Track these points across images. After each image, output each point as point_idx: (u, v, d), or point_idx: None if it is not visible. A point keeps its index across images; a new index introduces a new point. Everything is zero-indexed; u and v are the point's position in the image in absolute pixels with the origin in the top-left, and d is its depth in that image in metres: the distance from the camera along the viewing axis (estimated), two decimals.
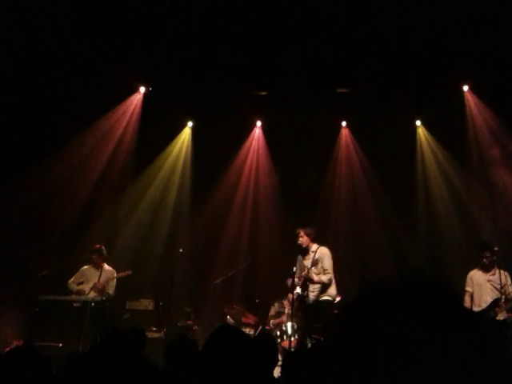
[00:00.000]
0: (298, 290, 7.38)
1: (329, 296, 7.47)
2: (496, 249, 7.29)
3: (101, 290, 8.16)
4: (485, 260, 7.19)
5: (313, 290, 7.40)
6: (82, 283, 8.27)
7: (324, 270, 7.43)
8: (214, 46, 8.64)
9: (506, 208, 9.27)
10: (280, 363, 5.98)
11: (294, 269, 7.44)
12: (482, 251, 7.29)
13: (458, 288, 7.30)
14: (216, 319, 8.22)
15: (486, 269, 7.23)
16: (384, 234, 9.88)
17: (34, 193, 9.19)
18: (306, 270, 7.36)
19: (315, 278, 7.41)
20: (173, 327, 8.36)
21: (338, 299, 8.05)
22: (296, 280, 7.53)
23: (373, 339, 0.78)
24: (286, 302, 7.87)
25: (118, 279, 8.44)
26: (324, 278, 7.42)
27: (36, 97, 8.66)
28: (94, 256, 8.36)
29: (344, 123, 10.72)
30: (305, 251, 7.62)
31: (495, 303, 7.02)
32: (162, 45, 8.50)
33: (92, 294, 8.14)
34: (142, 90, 10.17)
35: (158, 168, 10.67)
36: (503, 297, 7.01)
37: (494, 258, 7.20)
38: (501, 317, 6.90)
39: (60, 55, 8.50)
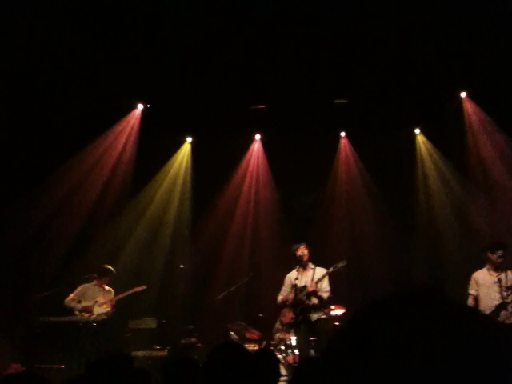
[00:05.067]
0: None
1: (326, 315, 7.49)
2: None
3: (113, 305, 8.15)
4: (501, 259, 6.92)
5: (314, 306, 7.37)
6: (79, 302, 8.18)
7: (323, 288, 7.47)
8: (210, 60, 8.66)
9: (508, 218, 9.17)
10: (284, 378, 5.91)
11: (297, 283, 7.40)
12: (496, 249, 7.00)
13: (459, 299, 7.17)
14: (220, 335, 8.11)
15: (496, 269, 6.95)
16: (386, 246, 9.78)
17: (34, 214, 9.15)
18: (314, 284, 7.33)
19: (320, 293, 7.41)
20: (176, 345, 8.25)
21: (342, 311, 7.98)
22: (284, 298, 7.58)
23: (373, 350, 0.76)
24: (286, 315, 7.78)
25: (122, 297, 8.42)
26: (325, 296, 7.46)
27: (31, 118, 8.65)
28: (106, 275, 8.34)
29: (343, 134, 10.70)
30: (303, 266, 7.60)
31: (501, 307, 6.77)
32: (157, 60, 8.52)
33: (100, 311, 8.07)
34: (140, 107, 10.18)
35: (157, 185, 10.64)
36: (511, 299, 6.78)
37: (505, 257, 6.96)
38: (508, 321, 6.62)
39: (57, 74, 8.52)
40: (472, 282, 7.11)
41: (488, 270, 7.06)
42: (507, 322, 6.61)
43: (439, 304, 0.80)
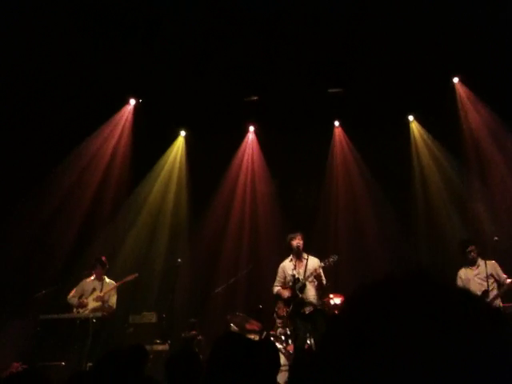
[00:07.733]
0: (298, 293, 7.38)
1: (321, 303, 7.53)
2: (496, 238, 7.36)
3: (104, 300, 8.07)
4: (472, 255, 7.31)
5: (310, 297, 7.39)
6: (81, 297, 8.15)
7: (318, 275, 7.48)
8: (202, 53, 8.62)
9: (505, 201, 9.21)
10: (285, 368, 5.94)
11: (295, 274, 7.41)
12: (467, 247, 7.39)
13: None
14: (220, 328, 8.12)
15: (472, 264, 7.34)
16: (384, 234, 9.79)
17: (34, 214, 9.13)
18: (319, 269, 7.33)
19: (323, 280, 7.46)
20: (177, 339, 8.27)
21: (341, 299, 8.00)
22: (279, 290, 7.60)
23: (373, 339, 0.74)
24: (280, 307, 7.80)
25: (122, 290, 8.37)
26: (324, 282, 7.50)
27: (24, 115, 8.60)
28: (96, 267, 8.26)
29: (337, 123, 10.69)
30: (298, 256, 7.61)
31: (484, 296, 6.92)
32: (150, 55, 8.48)
33: (94, 305, 8.03)
34: (133, 102, 10.13)
35: (153, 179, 10.62)
36: (494, 285, 7.07)
37: (478, 251, 7.35)
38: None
39: (49, 72, 8.47)
40: (458, 280, 7.40)
41: (466, 267, 7.42)
42: None
43: (435, 290, 0.78)
